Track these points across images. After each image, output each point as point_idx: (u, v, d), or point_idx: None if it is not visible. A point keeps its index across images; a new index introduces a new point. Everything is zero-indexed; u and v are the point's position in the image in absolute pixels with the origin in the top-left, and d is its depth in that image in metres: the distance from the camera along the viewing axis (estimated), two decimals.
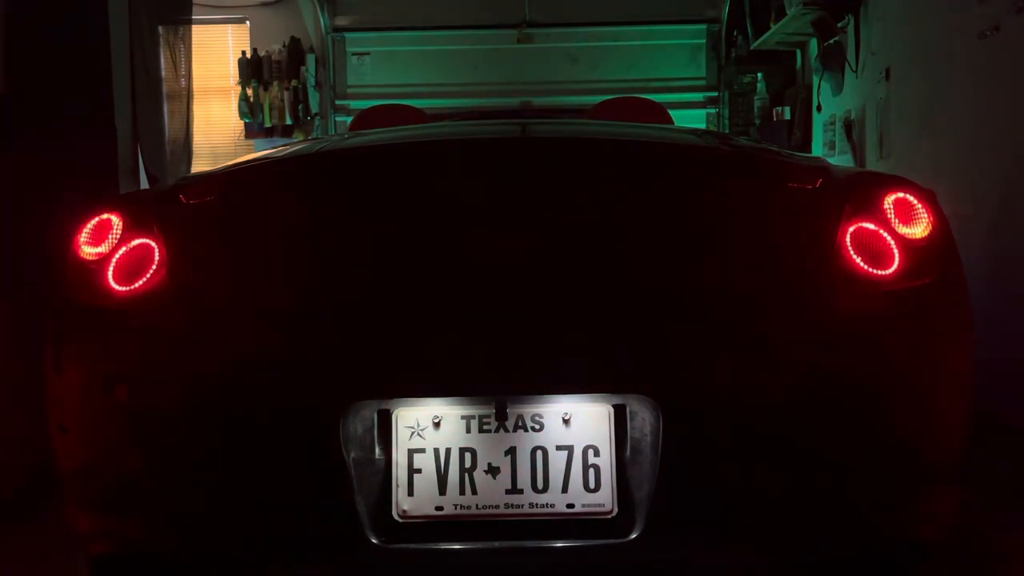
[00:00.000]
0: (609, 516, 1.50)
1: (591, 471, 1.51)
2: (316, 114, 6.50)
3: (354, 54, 6.60)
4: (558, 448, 1.51)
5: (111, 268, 1.61)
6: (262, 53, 6.53)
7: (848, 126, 4.94)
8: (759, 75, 6.20)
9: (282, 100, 6.47)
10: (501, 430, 1.51)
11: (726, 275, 1.58)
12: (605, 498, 1.50)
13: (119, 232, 1.64)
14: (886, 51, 4.44)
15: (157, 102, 4.74)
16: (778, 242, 1.61)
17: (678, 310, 1.54)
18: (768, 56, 5.97)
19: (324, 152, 1.93)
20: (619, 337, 1.51)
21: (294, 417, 1.50)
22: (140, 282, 1.59)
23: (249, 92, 6.49)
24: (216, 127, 6.65)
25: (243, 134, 6.58)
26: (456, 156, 1.75)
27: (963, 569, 2.19)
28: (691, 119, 6.33)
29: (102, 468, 1.59)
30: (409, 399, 1.52)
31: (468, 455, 1.51)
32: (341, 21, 6.62)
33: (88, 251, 1.64)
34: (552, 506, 1.50)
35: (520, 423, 1.52)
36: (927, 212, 1.63)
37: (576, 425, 1.51)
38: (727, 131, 6.52)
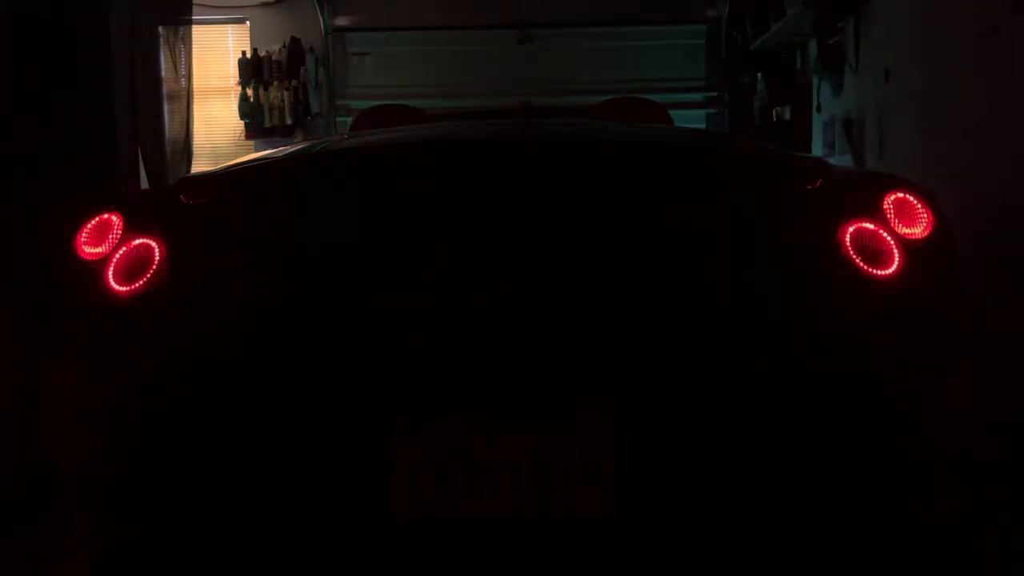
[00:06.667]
0: (611, 517, 1.50)
1: (593, 472, 1.50)
2: (316, 114, 6.49)
3: (354, 54, 6.59)
4: (560, 449, 1.51)
5: (111, 268, 1.61)
6: (262, 53, 6.52)
7: (848, 126, 4.93)
8: (759, 75, 6.19)
9: (282, 100, 6.46)
10: (503, 431, 1.51)
11: (726, 276, 1.58)
12: (607, 499, 1.50)
13: (119, 232, 1.64)
14: (886, 51, 4.44)
15: (157, 102, 4.74)
16: (778, 242, 1.61)
17: (677, 311, 1.54)
18: (768, 56, 5.96)
19: (324, 152, 1.93)
20: (620, 338, 1.51)
21: (293, 419, 1.50)
22: (140, 282, 1.59)
23: (249, 92, 6.48)
24: (216, 127, 6.64)
25: (243, 134, 6.58)
26: (457, 157, 1.75)
27: (963, 570, 2.19)
28: (691, 119, 6.32)
29: (101, 468, 1.59)
30: (410, 401, 1.52)
31: (470, 457, 1.51)
32: (341, 21, 6.61)
33: (88, 251, 1.64)
34: (554, 507, 1.50)
35: (521, 424, 1.51)
36: (927, 212, 1.63)
37: (578, 426, 1.51)
38: (727, 131, 6.51)
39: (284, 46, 6.52)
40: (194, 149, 5.17)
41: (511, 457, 1.50)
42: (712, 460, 1.50)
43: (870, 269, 1.57)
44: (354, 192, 1.68)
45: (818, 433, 1.51)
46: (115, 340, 1.59)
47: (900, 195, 1.64)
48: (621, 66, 6.51)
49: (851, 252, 1.58)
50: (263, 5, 6.57)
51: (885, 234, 1.60)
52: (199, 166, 5.37)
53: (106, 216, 1.66)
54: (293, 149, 2.05)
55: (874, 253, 1.58)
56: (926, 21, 4.02)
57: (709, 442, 1.50)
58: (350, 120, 5.16)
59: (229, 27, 6.70)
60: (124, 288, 1.60)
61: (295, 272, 1.60)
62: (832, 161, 3.45)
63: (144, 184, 4.44)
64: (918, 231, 1.62)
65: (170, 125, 4.95)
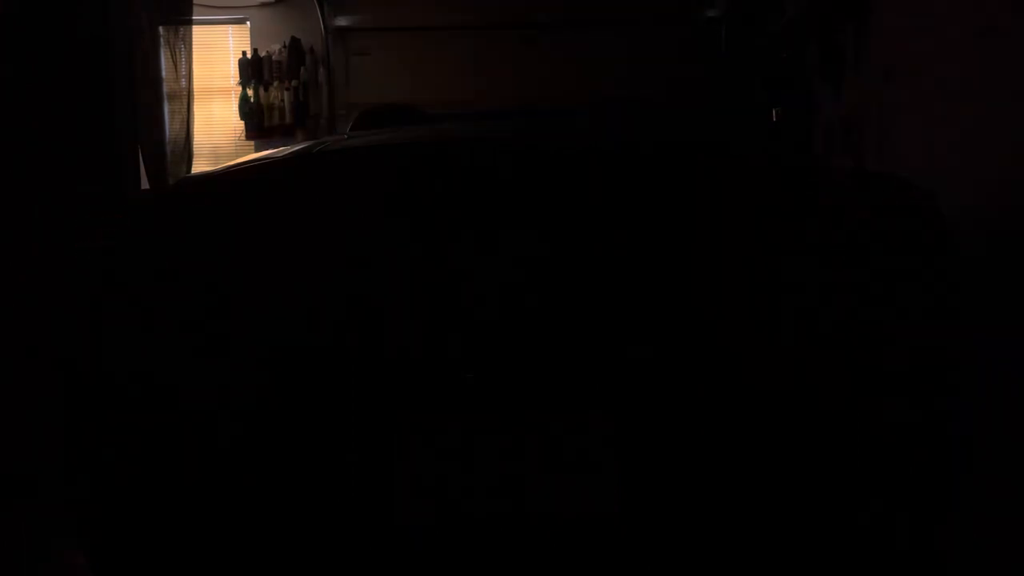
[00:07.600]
0: (614, 518, 1.50)
1: (596, 474, 1.50)
2: (316, 114, 6.49)
3: (354, 54, 6.60)
4: (563, 451, 1.51)
5: (112, 268, 1.61)
6: (262, 53, 6.52)
7: (848, 126, 4.93)
8: (759, 75, 6.18)
9: (282, 100, 6.46)
10: (506, 434, 1.51)
11: (724, 276, 1.58)
12: (610, 500, 1.50)
13: (119, 232, 1.64)
14: (886, 51, 4.44)
15: (157, 102, 4.74)
16: (777, 243, 1.61)
17: (677, 312, 1.55)
18: (768, 56, 5.96)
19: (324, 152, 1.93)
20: (621, 339, 1.52)
21: (296, 421, 1.51)
22: (140, 282, 1.59)
23: (249, 92, 6.49)
24: (217, 127, 6.64)
25: (243, 134, 6.58)
26: (457, 157, 1.75)
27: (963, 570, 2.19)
28: (691, 119, 6.32)
29: (103, 466, 1.59)
30: (413, 404, 1.52)
31: (472, 459, 1.51)
32: (341, 21, 6.61)
33: (89, 251, 1.64)
34: (557, 508, 1.50)
35: (524, 428, 1.52)
36: (927, 212, 1.63)
37: (579, 426, 1.51)
38: (727, 131, 6.50)
39: (284, 46, 6.52)
40: (194, 149, 5.17)
41: (513, 457, 1.51)
42: (712, 459, 1.51)
43: (869, 269, 1.57)
44: (354, 192, 1.68)
45: (818, 433, 1.51)
46: (115, 339, 1.59)
47: (900, 195, 1.64)
48: (621, 66, 6.51)
49: (851, 252, 1.58)
50: (263, 5, 6.58)
51: (885, 234, 1.60)
52: (199, 166, 5.37)
53: (106, 216, 1.66)
54: (293, 149, 2.05)
55: (873, 253, 1.58)
56: (926, 21, 4.02)
57: (709, 441, 1.50)
58: (350, 120, 5.17)
59: (229, 27, 6.70)
60: (124, 288, 1.60)
61: (295, 272, 1.60)
62: (832, 161, 3.46)
63: (144, 184, 4.45)
64: (918, 231, 1.62)
65: (170, 125, 4.95)
